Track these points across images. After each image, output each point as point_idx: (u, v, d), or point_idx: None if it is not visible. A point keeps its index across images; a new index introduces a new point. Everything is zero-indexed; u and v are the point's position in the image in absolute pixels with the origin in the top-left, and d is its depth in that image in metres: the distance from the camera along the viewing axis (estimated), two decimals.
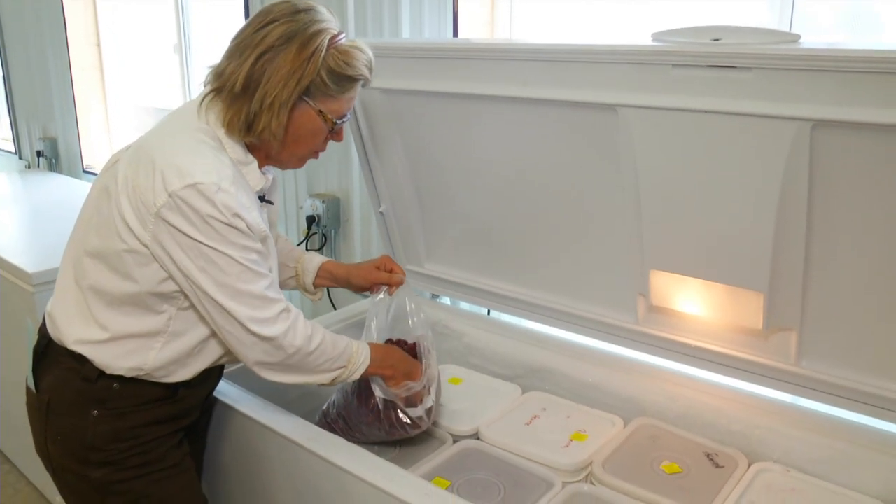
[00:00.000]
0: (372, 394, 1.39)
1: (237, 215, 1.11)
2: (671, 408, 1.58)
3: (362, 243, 2.41)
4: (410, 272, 2.02)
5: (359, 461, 1.26)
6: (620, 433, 1.56)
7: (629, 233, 1.49)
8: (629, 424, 1.59)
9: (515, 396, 1.71)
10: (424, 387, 1.42)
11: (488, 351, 1.86)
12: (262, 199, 1.25)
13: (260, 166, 1.22)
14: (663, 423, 1.58)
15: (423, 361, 1.42)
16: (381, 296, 1.46)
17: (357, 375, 1.33)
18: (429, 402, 1.41)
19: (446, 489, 1.34)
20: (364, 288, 1.51)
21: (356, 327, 1.78)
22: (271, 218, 1.32)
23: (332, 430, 1.43)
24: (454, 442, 1.54)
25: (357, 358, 1.29)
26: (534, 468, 1.45)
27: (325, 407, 1.51)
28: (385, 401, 1.39)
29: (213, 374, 1.32)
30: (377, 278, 1.46)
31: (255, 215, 1.15)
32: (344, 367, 1.28)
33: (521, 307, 1.80)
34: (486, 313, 2.01)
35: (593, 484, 1.42)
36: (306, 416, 1.43)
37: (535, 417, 1.63)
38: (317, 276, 1.49)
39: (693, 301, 1.50)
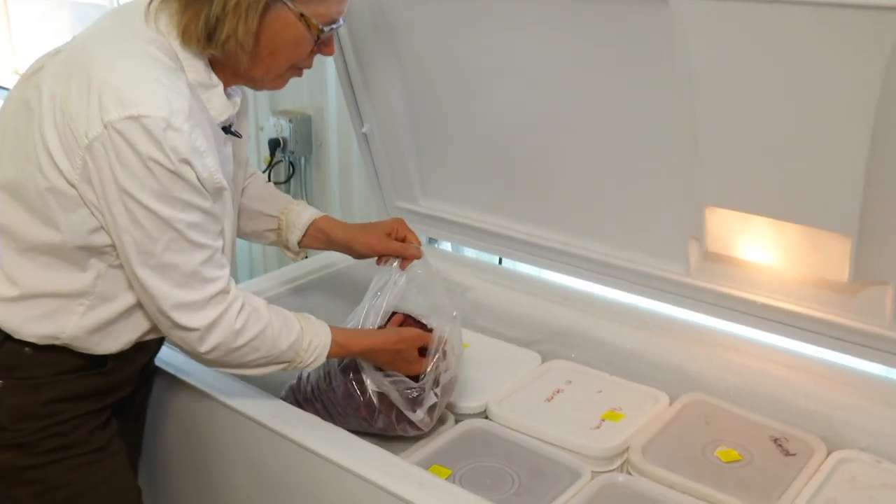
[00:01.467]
0: (363, 383, 1.40)
1: (186, 161, 1.09)
2: (730, 380, 1.59)
3: (340, 174, 2.39)
4: (401, 211, 2.02)
5: (336, 444, 1.28)
6: (665, 412, 1.57)
7: (680, 159, 1.48)
8: (676, 401, 1.60)
9: (534, 366, 1.73)
10: (423, 388, 1.42)
11: (500, 309, 1.87)
12: (226, 130, 1.23)
13: (226, 87, 1.19)
14: (719, 400, 1.59)
15: (434, 357, 1.42)
16: (391, 269, 1.47)
17: (311, 367, 1.31)
18: (430, 398, 1.42)
19: (446, 479, 1.34)
20: (367, 256, 1.53)
21: (330, 285, 1.84)
22: (238, 154, 1.31)
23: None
24: (457, 422, 1.55)
25: (306, 354, 1.28)
26: (556, 454, 1.46)
27: (294, 381, 1.52)
28: (380, 394, 1.41)
29: (149, 344, 1.32)
30: (387, 248, 1.45)
31: (210, 163, 1.13)
32: (286, 363, 1.28)
33: (540, 255, 1.82)
34: (497, 262, 2.04)
35: (630, 474, 1.43)
36: (271, 390, 1.44)
37: (557, 392, 1.64)
38: (306, 235, 1.48)
39: (760, 247, 1.50)
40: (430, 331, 1.43)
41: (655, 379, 1.66)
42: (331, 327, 1.33)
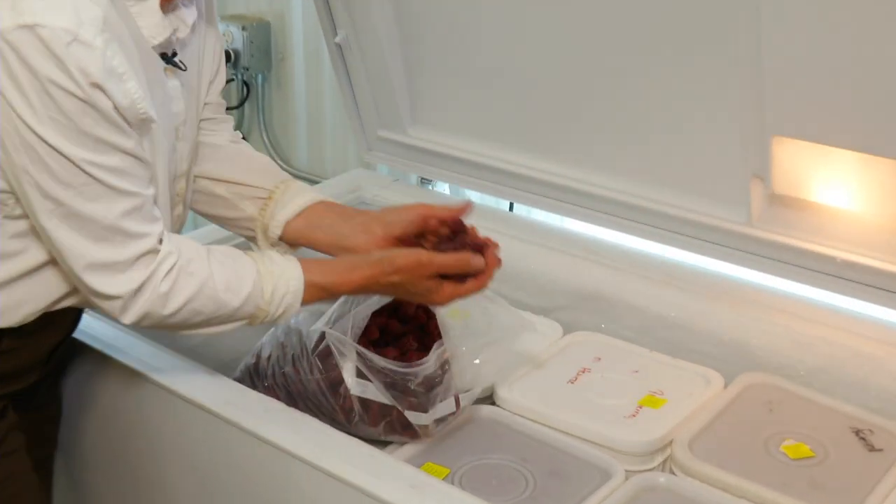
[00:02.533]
0: (340, 376, 1.42)
1: (98, 86, 1.07)
2: (800, 358, 1.59)
3: (308, 96, 2.35)
4: (385, 142, 2.00)
5: (304, 436, 1.28)
6: (719, 397, 1.56)
7: (739, 78, 1.48)
8: (733, 383, 1.59)
9: (553, 338, 1.73)
10: (437, 376, 1.41)
11: (511, 268, 1.85)
12: (166, 59, 1.22)
13: (169, 2, 1.19)
14: (787, 382, 1.59)
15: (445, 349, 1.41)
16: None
17: (283, 320, 1.31)
18: (446, 408, 1.43)
19: (443, 479, 1.35)
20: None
21: None
22: (192, 94, 1.31)
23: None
24: (457, 408, 1.51)
25: (270, 306, 1.27)
26: (580, 449, 1.46)
27: (252, 359, 1.52)
28: (364, 400, 1.42)
29: (62, 318, 1.30)
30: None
31: (131, 88, 1.11)
32: (245, 319, 1.27)
33: (562, 199, 1.82)
34: (508, 208, 2.04)
35: (674, 474, 1.43)
36: (223, 369, 1.45)
37: (583, 372, 1.64)
38: (299, 217, 1.45)
39: (839, 188, 1.50)
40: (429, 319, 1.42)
41: (706, 355, 1.66)
42: (304, 264, 1.31)
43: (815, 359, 1.58)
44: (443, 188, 2.11)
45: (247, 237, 1.49)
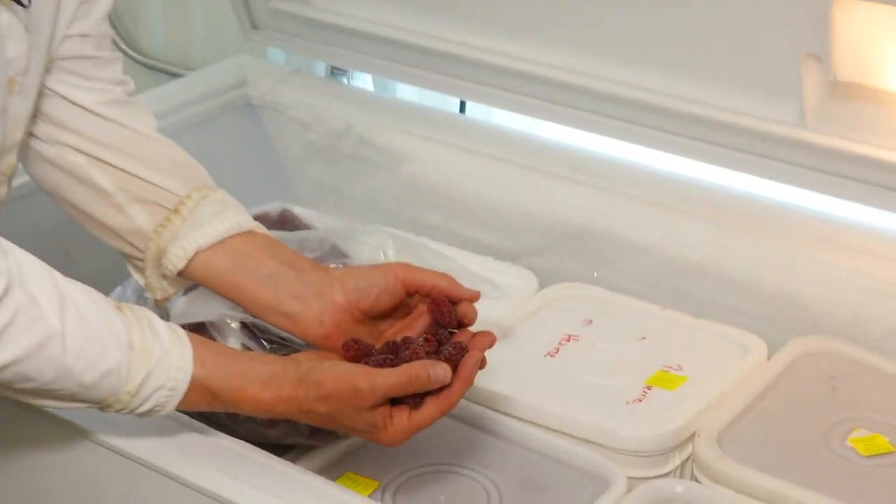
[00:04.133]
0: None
1: None
2: (875, 315, 1.61)
3: None
4: (281, 16, 1.99)
5: (169, 441, 1.32)
6: (760, 371, 1.59)
7: None
8: (780, 352, 1.61)
9: (525, 294, 1.76)
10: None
11: (463, 195, 1.91)
12: None
13: None
14: (856, 349, 1.60)
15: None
16: None
17: (144, 417, 1.32)
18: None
19: (369, 496, 1.38)
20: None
21: None
22: (38, 35, 1.30)
23: None
24: None
25: (133, 399, 1.27)
26: (565, 449, 1.48)
27: None
28: None
29: None
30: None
31: None
32: (95, 403, 1.28)
33: (536, 96, 1.84)
34: (458, 109, 2.06)
35: (697, 480, 1.44)
36: None
37: (567, 340, 1.65)
38: (210, 258, 1.45)
39: None
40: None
41: (742, 313, 1.68)
42: (198, 351, 1.31)
43: (893, 316, 1.60)
44: (363, 81, 2.13)
45: (124, 254, 1.47)
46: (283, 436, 1.48)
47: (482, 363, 1.33)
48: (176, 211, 1.43)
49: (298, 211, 1.76)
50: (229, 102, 2.02)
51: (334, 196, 2.03)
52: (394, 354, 1.34)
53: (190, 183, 1.46)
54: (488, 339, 1.36)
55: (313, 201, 1.98)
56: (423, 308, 1.41)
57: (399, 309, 1.42)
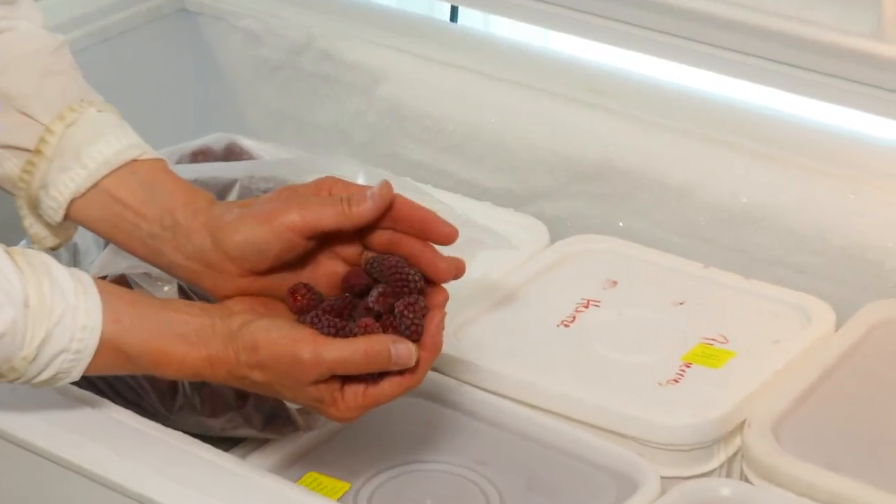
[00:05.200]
0: None
1: None
2: None
3: None
4: None
5: (100, 438, 1.33)
6: (827, 344, 1.60)
7: None
8: (853, 319, 1.63)
9: (533, 249, 1.77)
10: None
11: (456, 123, 1.92)
12: None
13: None
14: None
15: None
16: None
17: (45, 386, 1.34)
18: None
19: (338, 501, 1.39)
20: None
21: None
22: None
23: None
24: None
25: (29, 365, 1.28)
26: (583, 442, 1.48)
27: None
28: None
29: None
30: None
31: None
32: None
33: None
34: (449, 17, 2.09)
35: (748, 481, 1.45)
36: None
37: (586, 306, 1.67)
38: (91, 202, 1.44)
39: None
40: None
41: (804, 271, 1.70)
42: (108, 303, 1.31)
43: None
44: None
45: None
46: (230, 426, 1.49)
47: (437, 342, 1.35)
48: (38, 151, 1.43)
49: (248, 144, 1.75)
50: (158, 8, 2.02)
51: (293, 126, 2.03)
52: (340, 317, 1.34)
53: (58, 101, 1.46)
54: (442, 294, 1.37)
55: (266, 132, 1.98)
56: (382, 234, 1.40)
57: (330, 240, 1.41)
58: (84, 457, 1.31)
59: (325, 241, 1.40)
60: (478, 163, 1.89)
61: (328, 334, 1.30)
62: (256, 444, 1.49)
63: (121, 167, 1.43)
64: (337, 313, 1.34)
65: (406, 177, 1.82)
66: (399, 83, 1.94)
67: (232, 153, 1.74)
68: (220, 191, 1.63)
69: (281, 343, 1.30)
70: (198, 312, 1.36)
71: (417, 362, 1.31)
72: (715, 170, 1.75)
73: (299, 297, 1.36)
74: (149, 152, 1.46)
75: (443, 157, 1.90)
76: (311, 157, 1.59)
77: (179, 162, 1.68)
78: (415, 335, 1.31)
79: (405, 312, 1.31)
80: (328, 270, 1.41)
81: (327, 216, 1.37)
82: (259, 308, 1.37)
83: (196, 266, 1.41)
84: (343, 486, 1.42)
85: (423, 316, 1.32)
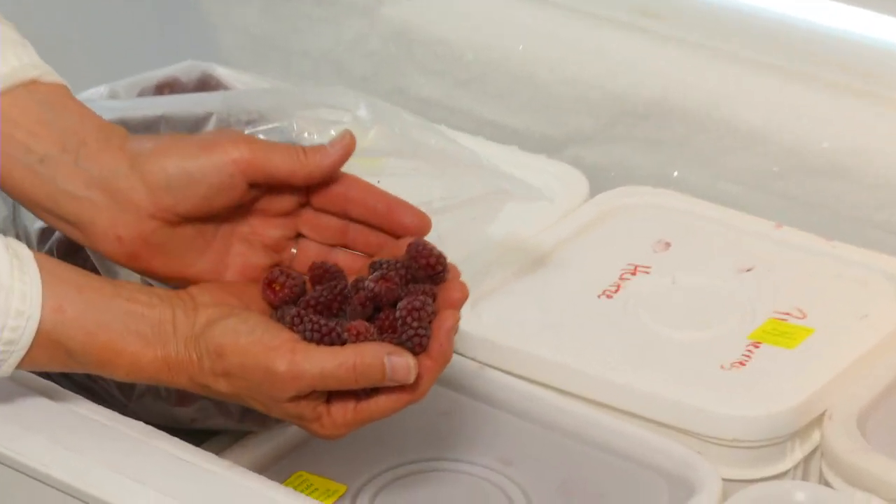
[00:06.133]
0: None
1: None
2: None
3: None
4: None
5: (40, 423, 1.36)
6: None
7: None
8: None
9: (570, 203, 1.81)
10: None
11: (477, 52, 1.96)
12: None
13: None
14: None
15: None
16: None
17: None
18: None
19: None
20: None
21: None
22: None
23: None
24: None
25: None
26: (628, 436, 1.50)
27: None
28: None
29: None
30: None
31: None
32: None
33: None
34: None
35: (828, 483, 1.46)
36: None
37: (633, 273, 1.70)
38: None
39: None
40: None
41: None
42: (50, 285, 1.32)
43: None
44: None
45: None
46: (202, 416, 1.51)
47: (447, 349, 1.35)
48: None
49: (223, 74, 1.77)
50: None
51: (277, 54, 2.05)
52: (329, 312, 1.35)
53: None
54: (459, 291, 1.37)
55: (246, 61, 1.98)
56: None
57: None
58: (23, 450, 1.32)
59: (254, 208, 1.42)
60: (502, 100, 1.90)
61: (311, 340, 1.30)
62: (234, 437, 1.50)
63: (16, 86, 1.45)
64: (325, 307, 1.34)
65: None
66: (407, 3, 1.95)
67: (205, 86, 1.76)
68: (192, 127, 1.63)
69: (252, 352, 1.30)
70: (157, 303, 1.35)
71: (420, 375, 1.31)
72: (793, 108, 1.76)
73: (277, 289, 1.37)
74: (52, 74, 1.47)
75: (459, 93, 1.92)
76: (303, 87, 1.57)
77: (142, 94, 1.68)
78: (418, 348, 1.30)
79: (408, 319, 1.31)
80: (243, 260, 1.43)
81: (280, 160, 1.39)
82: (230, 299, 1.37)
83: (96, 196, 1.40)
84: (338, 488, 1.43)
85: (430, 323, 1.32)
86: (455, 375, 1.56)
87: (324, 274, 1.39)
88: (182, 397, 1.49)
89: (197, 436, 1.46)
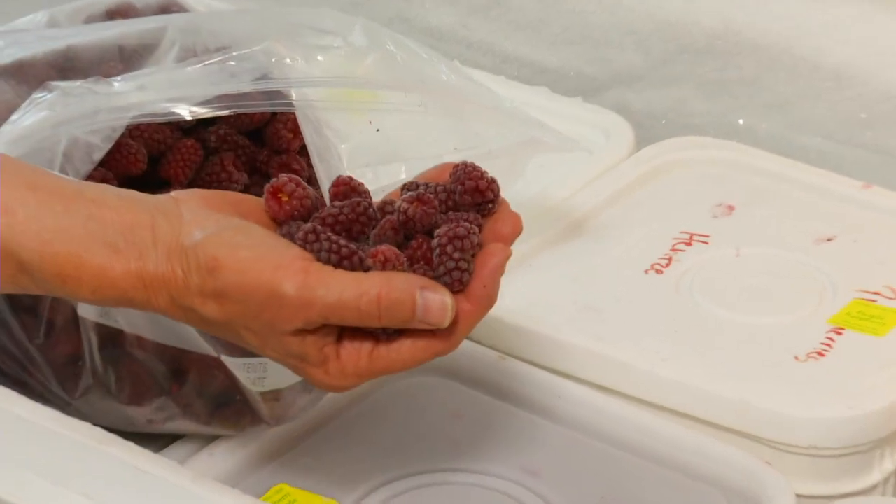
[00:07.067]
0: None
1: None
2: None
3: None
4: None
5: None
6: None
7: None
8: None
9: (614, 154, 1.86)
10: None
11: None
12: None
13: None
14: None
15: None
16: None
17: None
18: None
19: None
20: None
21: None
22: None
23: None
24: None
25: None
26: (681, 442, 1.53)
27: None
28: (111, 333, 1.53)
29: None
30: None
31: None
32: None
33: None
34: None
35: None
36: None
37: (689, 242, 1.74)
38: None
39: None
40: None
41: None
42: (10, 177, 1.34)
43: None
44: None
45: None
46: (161, 417, 1.54)
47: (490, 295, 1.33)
48: None
49: (189, 1, 1.75)
50: None
51: None
52: (347, 235, 1.33)
53: None
54: (512, 223, 1.36)
55: None
56: None
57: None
58: None
59: None
60: (531, 32, 1.89)
61: (326, 262, 1.27)
62: (201, 442, 1.52)
63: None
64: (344, 227, 1.32)
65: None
66: None
67: (169, 10, 1.74)
68: (147, 49, 1.63)
69: (254, 269, 1.28)
70: (130, 206, 1.33)
71: (455, 320, 1.28)
72: (888, 43, 1.73)
73: (284, 199, 1.35)
74: None
75: (477, 23, 1.93)
76: (281, 8, 1.57)
77: (89, 21, 1.68)
78: (457, 285, 1.28)
79: (448, 248, 1.28)
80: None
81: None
82: (225, 207, 1.36)
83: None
84: None
85: (474, 256, 1.30)
86: (472, 367, 1.59)
87: (350, 191, 1.35)
88: (135, 394, 1.50)
89: (156, 440, 1.49)
